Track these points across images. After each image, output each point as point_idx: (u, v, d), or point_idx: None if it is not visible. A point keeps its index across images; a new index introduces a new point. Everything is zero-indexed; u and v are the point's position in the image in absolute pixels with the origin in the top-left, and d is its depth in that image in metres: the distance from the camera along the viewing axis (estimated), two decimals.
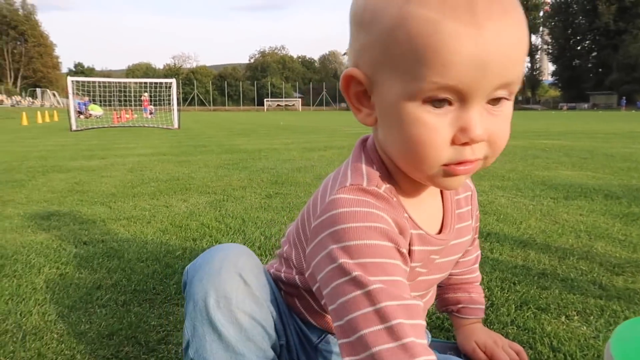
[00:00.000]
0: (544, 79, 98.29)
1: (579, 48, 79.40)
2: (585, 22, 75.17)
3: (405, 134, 0.66)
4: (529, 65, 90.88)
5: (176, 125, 14.54)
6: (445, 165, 0.67)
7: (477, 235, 1.04)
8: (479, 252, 1.11)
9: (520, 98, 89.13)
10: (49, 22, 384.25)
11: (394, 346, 0.63)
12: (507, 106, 0.68)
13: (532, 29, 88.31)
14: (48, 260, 1.95)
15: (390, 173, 0.76)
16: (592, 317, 1.39)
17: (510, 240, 2.18)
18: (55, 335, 1.31)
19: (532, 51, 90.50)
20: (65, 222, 2.60)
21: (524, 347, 1.22)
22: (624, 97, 59.15)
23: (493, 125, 0.66)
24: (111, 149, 7.36)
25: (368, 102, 0.71)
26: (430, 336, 1.12)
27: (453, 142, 0.65)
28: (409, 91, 0.63)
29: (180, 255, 2.01)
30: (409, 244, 0.75)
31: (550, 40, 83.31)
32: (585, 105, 67.64)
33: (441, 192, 0.85)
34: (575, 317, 1.39)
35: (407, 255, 0.73)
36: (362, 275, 0.65)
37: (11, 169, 4.84)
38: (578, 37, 78.60)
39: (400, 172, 0.75)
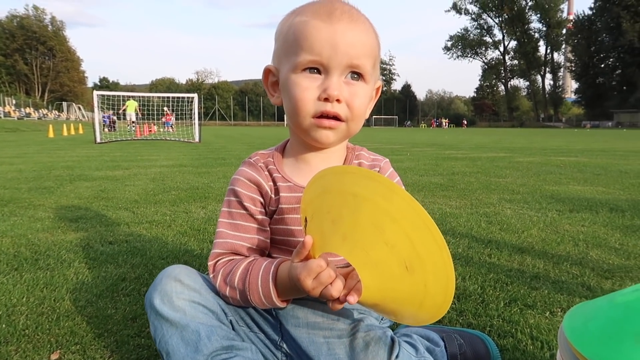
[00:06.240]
0: (566, 96, 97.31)
1: (602, 66, 78.42)
2: (609, 40, 74.32)
3: (290, 95, 0.98)
4: (551, 82, 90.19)
5: (197, 139, 14.87)
6: (314, 117, 0.97)
7: None
8: None
9: (542, 116, 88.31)
10: (77, 38, 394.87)
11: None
12: (362, 85, 0.98)
13: (555, 46, 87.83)
14: (77, 256, 2.13)
15: (286, 149, 1.13)
16: None
17: (510, 247, 2.29)
18: (85, 317, 1.47)
19: (555, 68, 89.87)
20: (92, 224, 2.78)
21: (505, 336, 1.34)
22: None
23: (350, 93, 0.96)
24: (134, 160, 7.62)
25: (277, 87, 1.05)
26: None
27: (318, 99, 0.95)
28: (292, 65, 0.96)
29: (198, 254, 2.17)
30: (276, 192, 1.07)
31: (573, 58, 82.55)
32: (610, 124, 66.70)
33: (345, 160, 1.12)
34: (559, 313, 1.50)
35: (261, 204, 1.08)
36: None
37: (40, 177, 5.09)
38: (602, 55, 77.65)
39: (297, 143, 1.09)
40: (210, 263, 1.06)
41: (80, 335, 1.35)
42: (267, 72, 1.07)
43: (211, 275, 1.05)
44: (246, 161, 1.12)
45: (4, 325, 1.40)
